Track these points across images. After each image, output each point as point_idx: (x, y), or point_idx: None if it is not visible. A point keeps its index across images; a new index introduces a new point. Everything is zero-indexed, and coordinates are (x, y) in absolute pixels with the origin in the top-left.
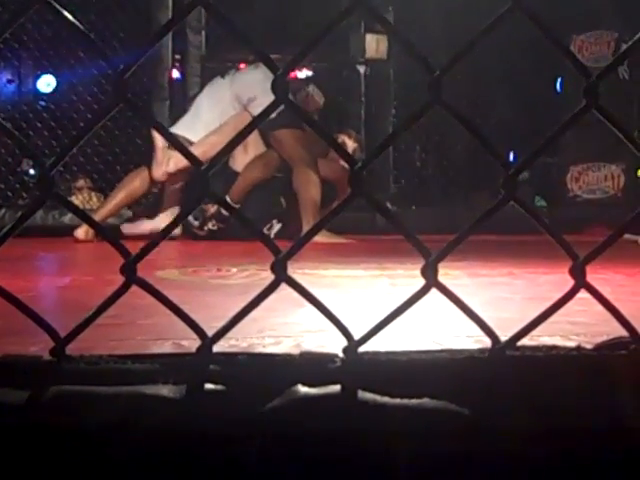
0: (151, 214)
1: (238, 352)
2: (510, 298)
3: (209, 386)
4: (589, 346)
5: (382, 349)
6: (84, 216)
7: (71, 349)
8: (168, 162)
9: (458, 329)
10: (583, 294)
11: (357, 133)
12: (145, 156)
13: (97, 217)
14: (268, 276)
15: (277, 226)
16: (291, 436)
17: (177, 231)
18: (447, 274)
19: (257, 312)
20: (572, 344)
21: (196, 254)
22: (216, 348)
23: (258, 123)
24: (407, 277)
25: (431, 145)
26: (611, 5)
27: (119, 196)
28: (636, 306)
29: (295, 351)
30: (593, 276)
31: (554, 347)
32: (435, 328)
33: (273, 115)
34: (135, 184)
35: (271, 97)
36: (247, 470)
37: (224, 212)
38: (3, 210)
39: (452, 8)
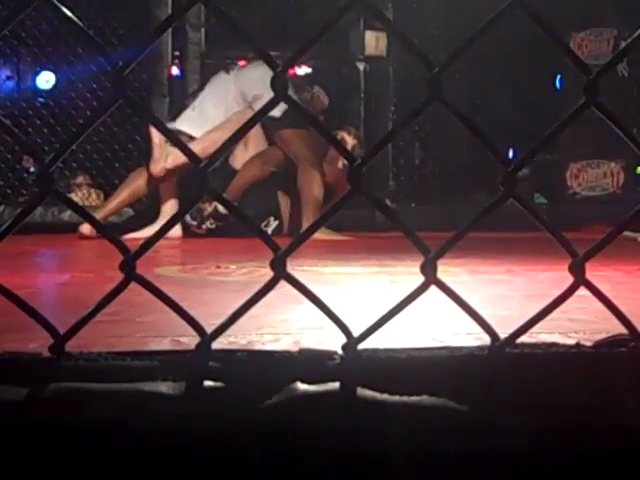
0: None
1: (237, 349)
2: (509, 295)
3: (208, 383)
4: (588, 343)
5: (381, 346)
6: (83, 213)
7: (70, 346)
8: (166, 158)
9: (457, 326)
10: (583, 291)
11: (356, 130)
12: (145, 153)
13: (100, 215)
14: (267, 273)
15: (274, 223)
16: (290, 433)
17: (178, 233)
18: (446, 271)
19: (256, 309)
20: (571, 341)
21: (195, 251)
22: (215, 345)
23: (257, 120)
24: (406, 274)
25: (430, 142)
26: (610, 2)
27: (123, 194)
28: (635, 303)
29: (294, 348)
30: (592, 273)
31: (553, 344)
32: (434, 325)
33: (279, 115)
34: (139, 182)
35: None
36: (246, 467)
37: (221, 210)
38: (2, 207)
39: (452, 5)
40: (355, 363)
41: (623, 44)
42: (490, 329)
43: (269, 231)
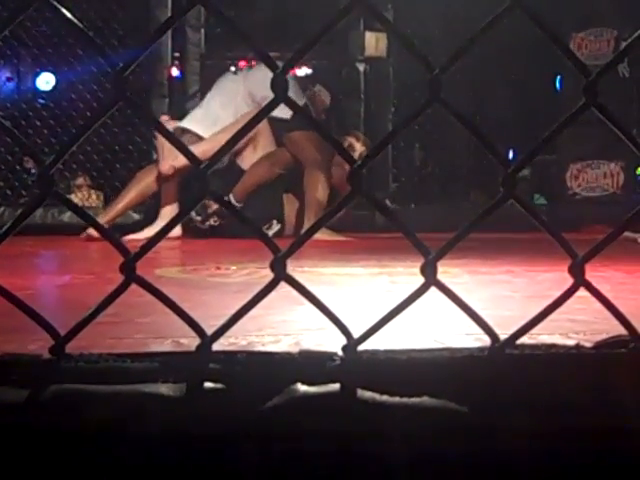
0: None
1: (237, 350)
2: (510, 296)
3: (208, 385)
4: (588, 344)
5: (381, 347)
6: (83, 215)
7: (70, 347)
8: (176, 157)
9: (458, 327)
10: (583, 292)
11: (365, 136)
12: (145, 154)
13: (108, 215)
14: (267, 274)
15: (276, 227)
16: (290, 435)
17: (178, 232)
18: (447, 272)
19: (256, 310)
20: (571, 342)
21: (195, 252)
22: (216, 346)
23: (257, 122)
24: (407, 275)
25: (430, 143)
26: (611, 3)
27: (130, 194)
28: (636, 304)
29: (294, 349)
30: (593, 274)
31: (553, 345)
32: (435, 326)
33: (288, 117)
34: (147, 181)
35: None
36: (247, 469)
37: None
38: (2, 208)
39: (452, 6)
40: (355, 364)
41: (623, 44)
42: (490, 330)
43: (270, 233)
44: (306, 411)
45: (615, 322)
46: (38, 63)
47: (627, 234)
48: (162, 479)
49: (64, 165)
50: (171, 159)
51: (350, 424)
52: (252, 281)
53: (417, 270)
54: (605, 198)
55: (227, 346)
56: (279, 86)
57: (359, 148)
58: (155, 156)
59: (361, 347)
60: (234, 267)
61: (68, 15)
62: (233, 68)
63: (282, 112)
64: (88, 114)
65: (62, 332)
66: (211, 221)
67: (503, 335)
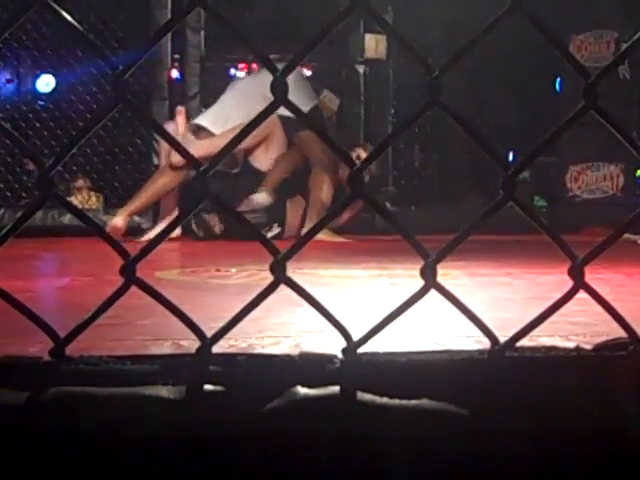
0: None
1: (237, 353)
2: (510, 298)
3: (208, 387)
4: (588, 347)
5: (381, 350)
6: (83, 217)
7: (69, 349)
8: (189, 149)
9: (458, 329)
10: (583, 294)
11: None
12: (145, 156)
13: (127, 211)
14: (267, 276)
15: (276, 230)
16: (290, 437)
17: (177, 231)
18: (446, 274)
19: (256, 312)
20: (571, 345)
21: (195, 254)
22: (215, 348)
23: (257, 125)
24: (407, 277)
25: (430, 145)
26: (611, 5)
27: (150, 190)
28: (636, 307)
29: (294, 352)
30: (593, 276)
31: (553, 348)
32: (435, 328)
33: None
34: (162, 181)
35: (298, 96)
36: (247, 471)
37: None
38: (2, 210)
39: (452, 8)
40: (355, 367)
41: (624, 47)
42: (490, 333)
43: (269, 235)
44: (306, 413)
45: (615, 324)
46: (38, 65)
47: (627, 236)
48: None
49: (64, 167)
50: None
51: (350, 426)
52: (252, 283)
53: (417, 272)
54: (605, 200)
55: (227, 348)
56: (279, 88)
57: None
58: (155, 158)
59: (361, 349)
60: (234, 269)
61: (68, 17)
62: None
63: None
64: (88, 116)
65: (62, 334)
66: (216, 230)
67: (503, 337)
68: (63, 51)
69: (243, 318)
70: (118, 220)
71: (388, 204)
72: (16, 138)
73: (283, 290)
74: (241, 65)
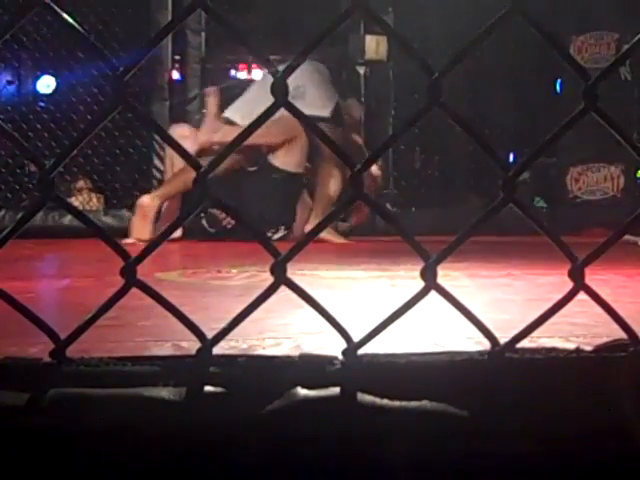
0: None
1: (238, 354)
2: (510, 299)
3: (209, 388)
4: (588, 348)
5: (382, 351)
6: (84, 219)
7: (70, 351)
8: (217, 132)
9: (458, 330)
10: (583, 295)
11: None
12: (146, 157)
13: (157, 193)
14: (268, 277)
15: (282, 232)
16: (291, 438)
17: (178, 232)
18: (447, 275)
19: (257, 313)
20: (571, 346)
21: (196, 255)
22: (216, 349)
23: (257, 125)
24: (407, 278)
25: (431, 146)
26: (612, 6)
27: (180, 179)
28: (636, 308)
29: (295, 353)
30: (593, 277)
31: (553, 349)
32: (435, 330)
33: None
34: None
35: (318, 88)
36: (247, 473)
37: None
38: (3, 211)
39: (452, 9)
40: (355, 368)
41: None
42: (490, 334)
43: (275, 237)
44: (306, 415)
45: (615, 326)
46: (39, 66)
47: (627, 237)
48: None
49: (64, 168)
50: (212, 132)
51: (350, 428)
52: (252, 284)
53: (417, 273)
54: (605, 201)
55: (227, 349)
56: (279, 90)
57: (375, 172)
58: (156, 159)
59: (361, 351)
60: (234, 270)
61: (68, 19)
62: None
63: (318, 110)
64: (89, 117)
65: (62, 335)
66: (227, 225)
67: (503, 339)
68: (64, 52)
69: (244, 319)
70: (145, 198)
71: (389, 205)
72: (17, 139)
73: (284, 291)
74: (242, 66)
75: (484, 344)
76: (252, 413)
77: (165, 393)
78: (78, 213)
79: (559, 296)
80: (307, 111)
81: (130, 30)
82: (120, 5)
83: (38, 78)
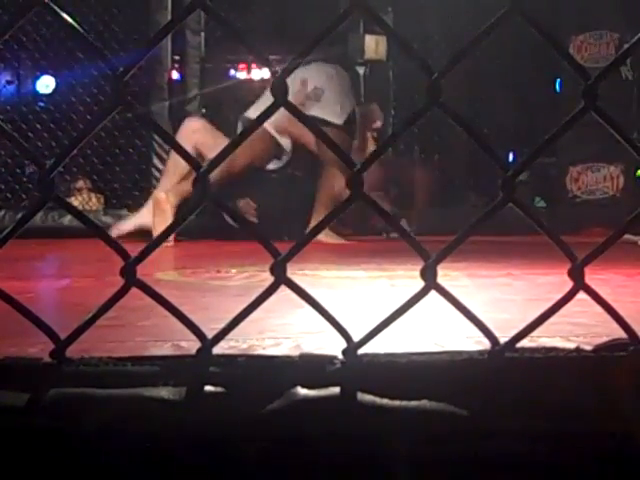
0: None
1: (238, 354)
2: (510, 299)
3: (209, 388)
4: (588, 347)
5: (381, 351)
6: (84, 218)
7: (70, 351)
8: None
9: (458, 330)
10: (583, 295)
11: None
12: (146, 157)
13: (175, 191)
14: (267, 277)
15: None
16: (291, 438)
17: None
18: (446, 275)
19: (256, 313)
20: (571, 345)
21: (195, 255)
22: (216, 349)
23: (258, 125)
24: (407, 278)
25: (430, 146)
26: (612, 6)
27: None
28: (636, 307)
29: (295, 352)
30: (593, 277)
31: (553, 349)
32: (435, 329)
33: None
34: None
35: (335, 93)
36: (247, 472)
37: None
38: (3, 211)
39: (452, 9)
40: (355, 368)
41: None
42: (490, 334)
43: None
44: (306, 415)
45: (615, 325)
46: (38, 66)
47: (627, 237)
48: None
49: (64, 168)
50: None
51: (350, 427)
52: (252, 284)
53: (417, 273)
54: (605, 201)
55: (227, 349)
56: (279, 91)
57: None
58: (155, 159)
59: (361, 350)
60: (234, 270)
61: (68, 19)
62: None
63: (331, 116)
64: (88, 117)
65: (62, 336)
66: (252, 217)
67: (503, 338)
68: (63, 52)
69: (243, 319)
70: (160, 193)
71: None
72: (16, 139)
73: (283, 291)
74: (241, 66)
75: (484, 344)
76: (252, 413)
77: (165, 393)
78: (78, 213)
79: (559, 296)
80: (320, 114)
81: (129, 30)
82: (120, 5)
83: (38, 78)
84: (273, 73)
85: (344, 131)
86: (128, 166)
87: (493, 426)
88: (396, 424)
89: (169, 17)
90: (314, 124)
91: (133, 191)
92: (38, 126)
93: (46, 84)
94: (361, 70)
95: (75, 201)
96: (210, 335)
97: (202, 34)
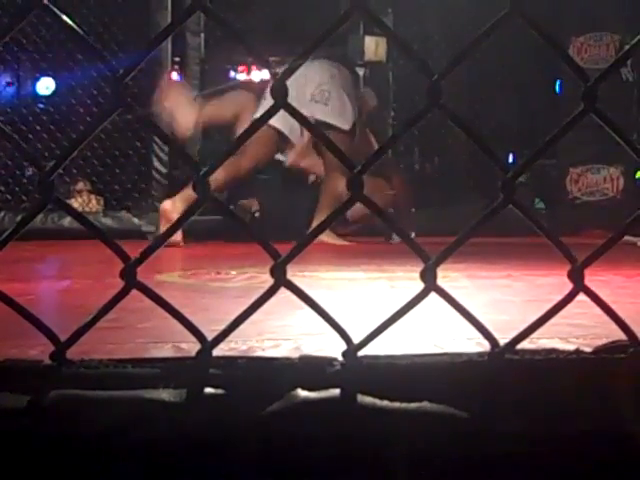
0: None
1: (238, 356)
2: (510, 300)
3: (209, 390)
4: (588, 349)
5: (381, 352)
6: (84, 220)
7: (70, 353)
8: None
9: (458, 332)
10: (583, 296)
11: None
12: (146, 159)
13: (181, 197)
14: (268, 279)
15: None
16: (291, 440)
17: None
18: (446, 276)
19: (256, 315)
20: (571, 347)
21: (195, 257)
22: (216, 351)
23: (259, 126)
24: (406, 279)
25: (430, 147)
26: (612, 7)
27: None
28: (635, 309)
29: (295, 354)
30: (592, 278)
31: (553, 350)
32: (435, 330)
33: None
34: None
35: (342, 96)
36: (247, 474)
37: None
38: (3, 213)
39: (452, 10)
40: (355, 370)
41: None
42: (490, 335)
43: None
44: (306, 416)
45: (615, 327)
46: (38, 68)
47: (627, 238)
48: None
49: (64, 170)
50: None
51: (350, 429)
52: (252, 286)
53: (417, 275)
54: (605, 202)
55: (227, 351)
56: (279, 92)
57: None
58: (155, 160)
59: (361, 352)
60: (234, 272)
61: (68, 20)
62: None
63: (339, 122)
64: (88, 119)
65: (63, 337)
66: (254, 213)
67: (503, 340)
68: (63, 54)
69: (244, 321)
70: (167, 204)
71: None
72: (16, 141)
73: (283, 292)
74: (241, 67)
75: (484, 345)
76: (252, 415)
77: (165, 395)
78: (78, 215)
79: (559, 297)
80: (328, 119)
81: (129, 32)
82: (119, 7)
83: (37, 80)
84: (273, 75)
85: (350, 135)
86: (128, 168)
87: (493, 428)
88: (396, 426)
89: (169, 19)
90: (313, 126)
91: (133, 193)
92: (38, 128)
93: (46, 86)
94: (361, 71)
95: (75, 203)
96: (210, 337)
97: (202, 35)
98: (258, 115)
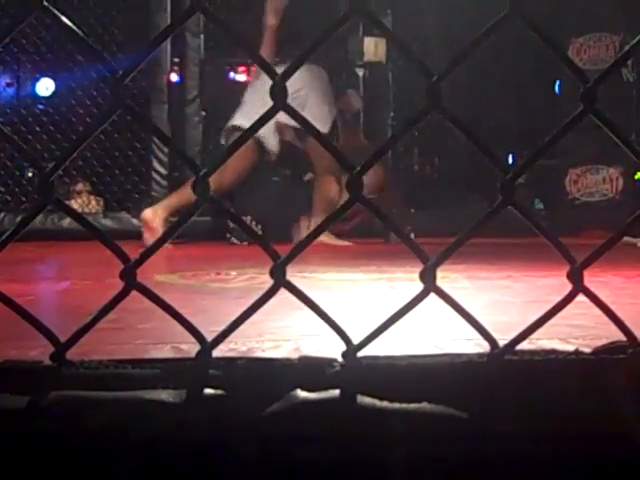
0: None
1: (237, 357)
2: (509, 301)
3: (209, 391)
4: (587, 350)
5: (381, 353)
6: (83, 221)
7: (70, 354)
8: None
9: (458, 332)
10: (583, 297)
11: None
12: (146, 160)
13: (163, 206)
14: (267, 280)
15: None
16: (290, 440)
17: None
18: (446, 277)
19: (256, 315)
20: (571, 348)
21: (195, 257)
22: (215, 352)
23: (257, 128)
24: (406, 280)
25: (429, 148)
26: (612, 8)
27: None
28: (635, 309)
29: (294, 355)
30: (592, 279)
31: (552, 351)
32: (435, 331)
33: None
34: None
35: (318, 98)
36: (247, 475)
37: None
38: (2, 214)
39: (451, 11)
40: (355, 370)
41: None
42: (489, 336)
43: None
44: (306, 417)
45: (614, 327)
46: (38, 69)
47: (627, 239)
48: None
49: (64, 171)
50: None
51: (350, 430)
52: (252, 287)
53: (416, 276)
54: (604, 203)
55: (227, 352)
56: (279, 94)
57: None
58: (155, 162)
59: (361, 353)
60: (234, 273)
61: (67, 22)
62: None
63: (318, 124)
64: (88, 120)
65: (62, 338)
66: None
67: (502, 341)
68: (63, 55)
69: (243, 322)
70: (148, 212)
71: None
72: (16, 142)
73: (283, 293)
74: (240, 69)
75: (484, 346)
76: (252, 415)
77: (165, 396)
78: (77, 216)
79: (558, 298)
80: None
81: (129, 33)
82: (119, 8)
83: (37, 80)
84: (272, 76)
85: (329, 136)
86: (128, 169)
87: (493, 428)
88: (396, 427)
89: (169, 20)
90: (312, 127)
91: (133, 194)
92: (37, 129)
93: (46, 87)
94: (360, 72)
95: (75, 204)
96: (210, 338)
97: (201, 36)
98: (236, 122)
